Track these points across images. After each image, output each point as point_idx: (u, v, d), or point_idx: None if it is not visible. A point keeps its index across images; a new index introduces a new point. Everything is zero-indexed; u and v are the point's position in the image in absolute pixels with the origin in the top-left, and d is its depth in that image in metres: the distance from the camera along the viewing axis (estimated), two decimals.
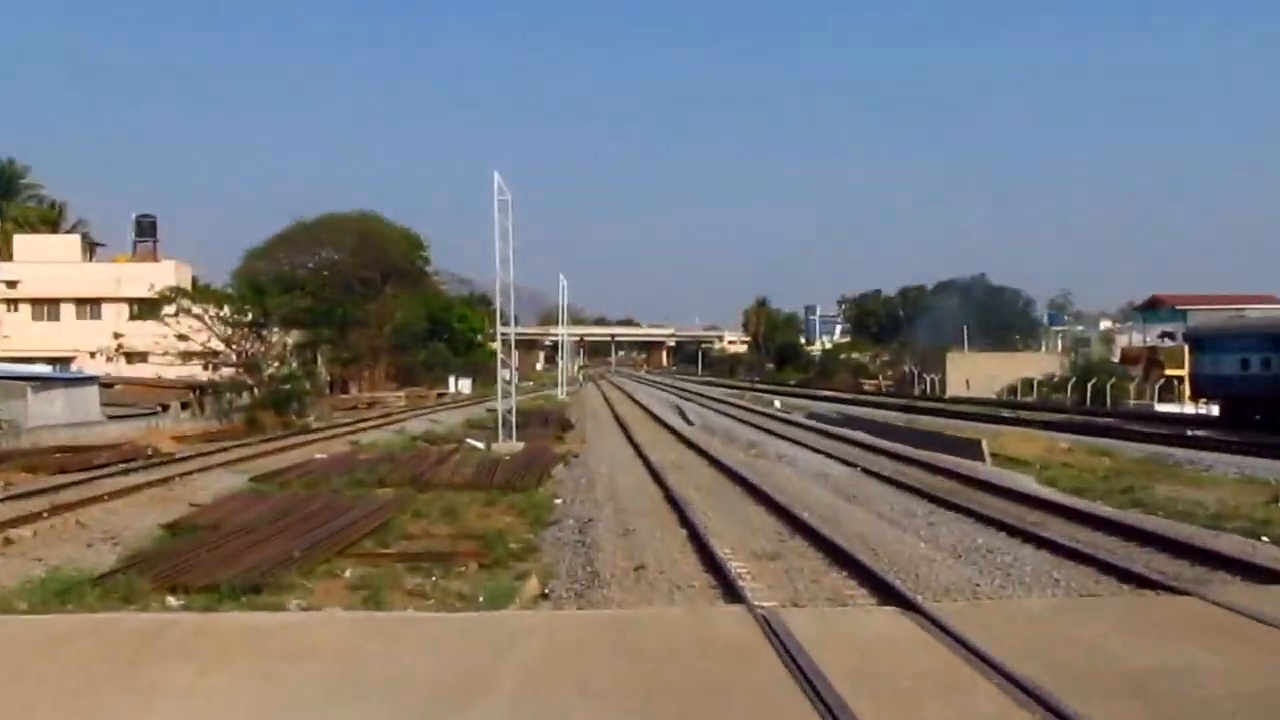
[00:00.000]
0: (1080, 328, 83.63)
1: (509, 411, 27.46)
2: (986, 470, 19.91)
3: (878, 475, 19.37)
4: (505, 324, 30.19)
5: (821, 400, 53.35)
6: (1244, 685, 5.50)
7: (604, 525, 13.59)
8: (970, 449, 22.49)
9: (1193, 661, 5.87)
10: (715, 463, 21.74)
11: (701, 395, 62.51)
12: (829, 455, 23.36)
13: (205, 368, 37.71)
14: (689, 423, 36.34)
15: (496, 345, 31.86)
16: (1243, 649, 6.18)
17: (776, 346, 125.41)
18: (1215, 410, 32.04)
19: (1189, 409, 37.70)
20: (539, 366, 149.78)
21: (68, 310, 48.63)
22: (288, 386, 34.35)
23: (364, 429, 32.97)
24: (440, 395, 58.56)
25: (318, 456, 23.91)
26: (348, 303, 51.35)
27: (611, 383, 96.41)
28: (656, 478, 18.91)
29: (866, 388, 74.10)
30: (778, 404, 50.70)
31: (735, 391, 68.62)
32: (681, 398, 58.57)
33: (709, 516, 14.41)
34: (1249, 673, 5.70)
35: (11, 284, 48.27)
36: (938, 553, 11.72)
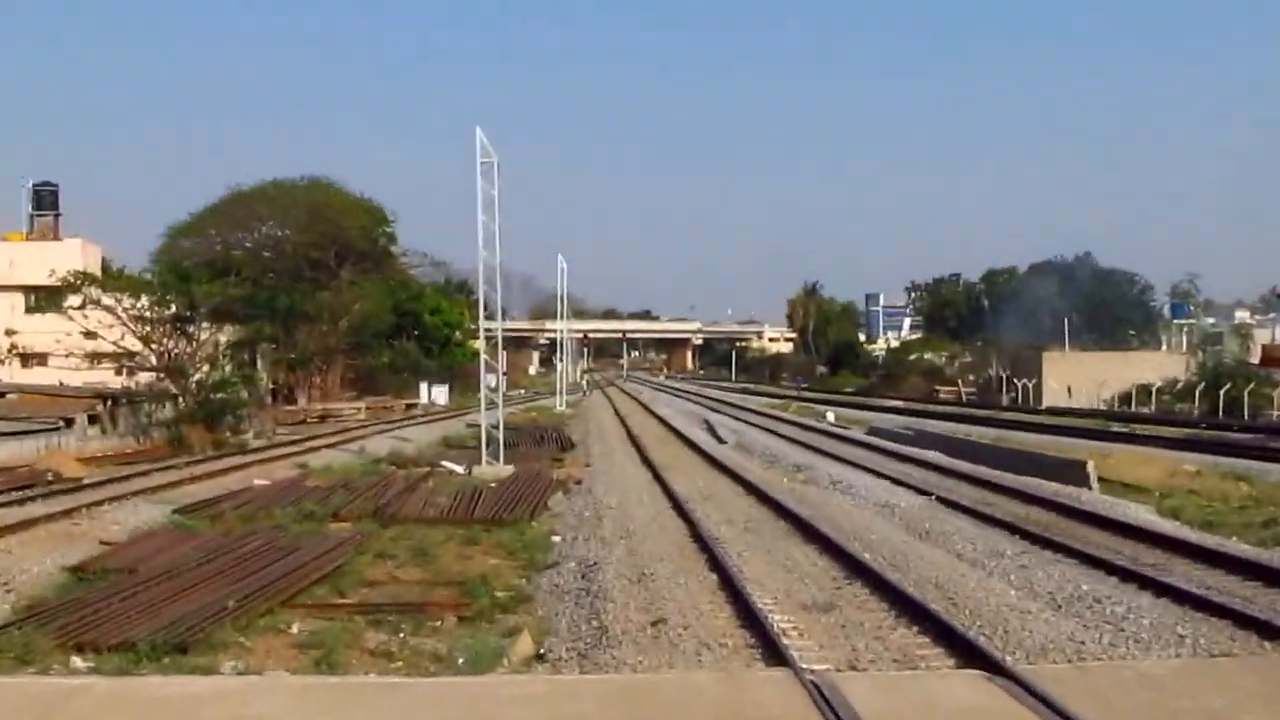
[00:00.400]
0: (1210, 321, 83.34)
1: (495, 427, 27.46)
2: (1093, 499, 19.91)
3: (957, 506, 19.41)
4: (490, 317, 30.22)
5: (886, 412, 53.24)
6: None
7: (614, 569, 13.64)
8: (1072, 472, 22.59)
9: None
10: (754, 491, 21.75)
11: (736, 407, 62.51)
12: (895, 481, 23.32)
13: (119, 372, 37.95)
14: (720, 440, 36.36)
15: (479, 344, 31.88)
16: None
17: (830, 345, 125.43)
18: None
19: None
20: (532, 370, 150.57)
21: None
22: (220, 396, 34.30)
23: (315, 448, 33.00)
24: (409, 407, 58.66)
25: (257, 483, 23.99)
26: (295, 291, 51.35)
27: (623, 391, 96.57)
28: (680, 510, 18.92)
29: (943, 396, 74.10)
30: (831, 417, 50.52)
31: (778, 402, 68.59)
32: (711, 409, 58.62)
33: (746, 559, 14.42)
34: None
35: None
36: (1032, 602, 11.73)
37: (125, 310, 34.18)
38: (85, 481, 23.13)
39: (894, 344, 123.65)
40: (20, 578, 13.56)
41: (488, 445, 27.11)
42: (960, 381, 77.42)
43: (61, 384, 38.71)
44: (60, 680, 8.41)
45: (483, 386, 30.08)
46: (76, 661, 9.77)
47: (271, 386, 48.97)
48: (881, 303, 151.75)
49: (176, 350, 35.30)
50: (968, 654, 9.33)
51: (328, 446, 33.85)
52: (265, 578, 12.89)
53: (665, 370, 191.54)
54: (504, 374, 41.26)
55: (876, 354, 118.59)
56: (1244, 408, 49.09)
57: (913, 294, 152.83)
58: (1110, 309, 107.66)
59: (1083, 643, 10.00)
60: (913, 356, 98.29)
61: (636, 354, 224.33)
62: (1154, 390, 57.54)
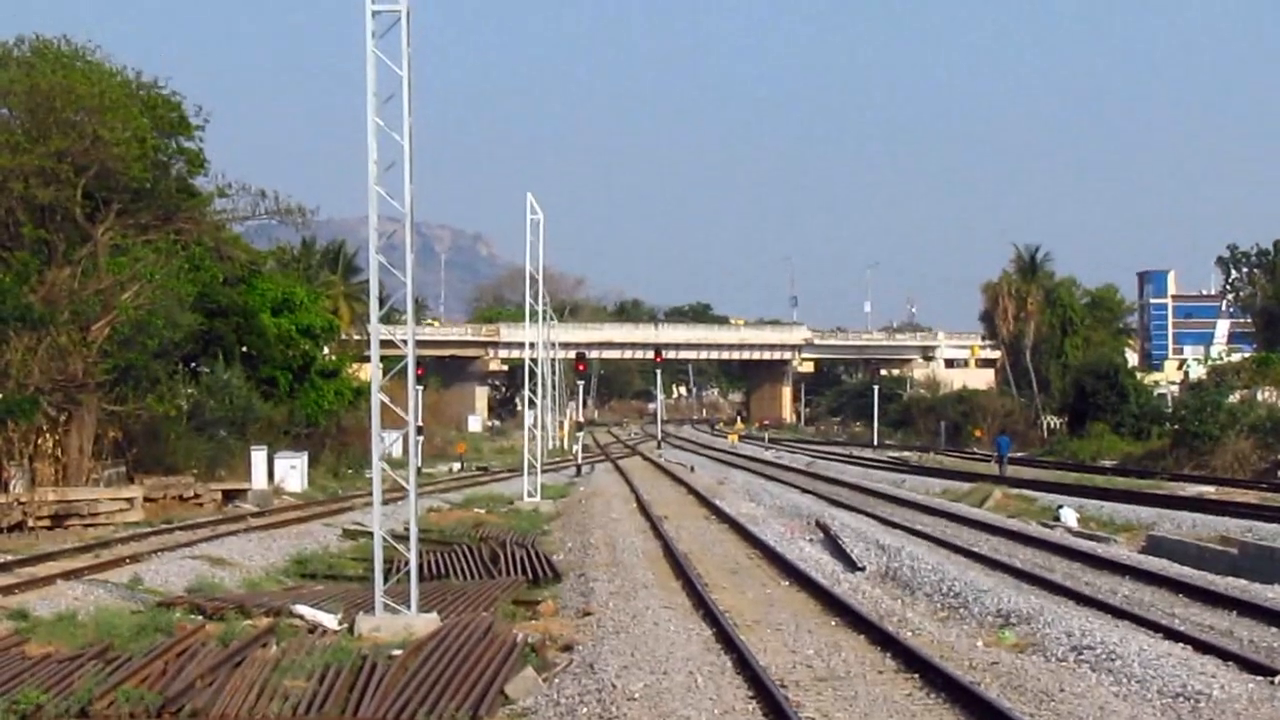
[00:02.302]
0: None
1: (402, 538, 27.80)
2: None
3: None
4: (397, 315, 30.20)
5: (1182, 509, 52.85)
6: None
7: None
8: None
9: None
10: (918, 664, 21.81)
11: (881, 497, 63.04)
12: (1204, 646, 23.16)
13: None
14: (852, 566, 36.63)
15: (370, 371, 31.59)
16: None
17: (1071, 374, 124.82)
18: None
19: None
20: (476, 424, 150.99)
21: None
22: None
23: (42, 579, 33.18)
24: (231, 497, 58.66)
25: None
26: (4, 269, 51.49)
27: (659, 465, 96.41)
28: (776, 710, 18.80)
29: None
30: (1071, 519, 50.61)
31: (967, 488, 68.20)
32: (832, 501, 59.09)
33: None
34: None
35: None
36: None
37: None
38: None
39: (1198, 371, 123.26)
40: None
41: (387, 575, 27.16)
42: None
43: None
44: None
45: (377, 457, 29.78)
46: None
47: None
48: (1171, 290, 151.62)
49: None
50: None
51: (67, 576, 33.85)
52: None
53: (741, 423, 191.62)
54: (420, 430, 40.88)
55: (1162, 391, 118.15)
56: None
57: (1233, 271, 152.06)
58: None
59: None
60: (1236, 397, 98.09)
61: (683, 392, 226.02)
62: None
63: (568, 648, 24.30)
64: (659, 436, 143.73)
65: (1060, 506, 54.77)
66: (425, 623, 25.90)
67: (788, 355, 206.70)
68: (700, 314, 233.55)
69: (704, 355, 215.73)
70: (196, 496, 56.52)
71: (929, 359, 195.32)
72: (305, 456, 67.95)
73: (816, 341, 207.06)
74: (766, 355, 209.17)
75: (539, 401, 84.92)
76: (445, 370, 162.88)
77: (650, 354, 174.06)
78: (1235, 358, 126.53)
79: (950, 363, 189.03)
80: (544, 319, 76.04)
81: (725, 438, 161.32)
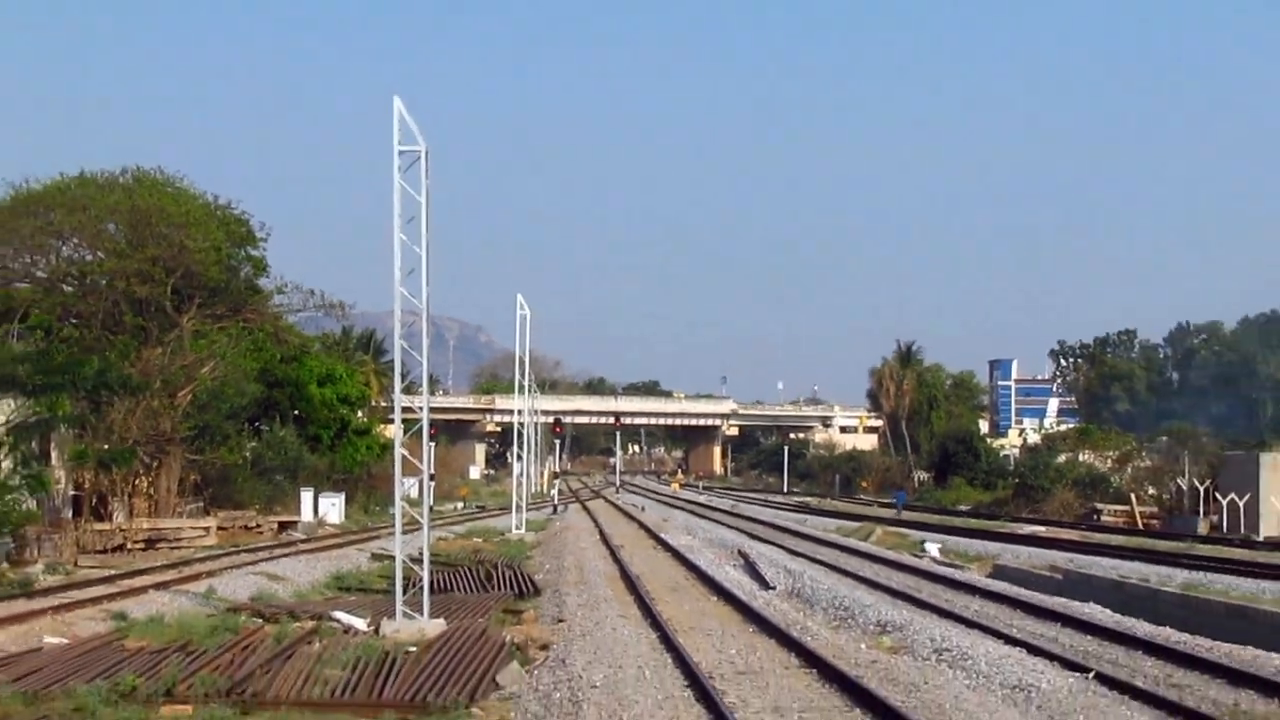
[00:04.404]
0: None
1: (417, 560, 27.42)
2: None
3: (1128, 688, 19.44)
4: (414, 389, 30.29)
5: (1020, 543, 53.54)
6: None
7: None
8: None
9: None
10: (815, 662, 21.77)
11: (788, 532, 62.45)
12: (1034, 649, 23.28)
13: None
14: (765, 585, 36.42)
15: (394, 431, 31.66)
16: None
17: (936, 439, 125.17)
18: None
19: None
20: (475, 473, 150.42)
21: None
22: None
23: (138, 589, 32.78)
24: (284, 527, 58.12)
25: (49, 642, 23.84)
26: (110, 348, 51.25)
27: (615, 505, 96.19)
28: (705, 697, 18.82)
29: (1109, 519, 74.35)
30: (934, 550, 50.82)
31: (854, 526, 68.31)
32: (751, 535, 58.73)
33: None
34: None
35: None
36: None
37: None
38: None
39: (1033, 438, 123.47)
40: None
41: (405, 589, 26.84)
42: (1135, 497, 77.13)
43: None
44: None
45: (399, 497, 29.68)
46: None
47: (73, 493, 48.52)
48: (1014, 375, 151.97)
49: None
50: None
51: (157, 587, 33.52)
52: None
53: (681, 475, 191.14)
54: (432, 478, 41.03)
55: (1006, 454, 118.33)
56: None
57: (1062, 361, 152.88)
58: None
59: None
60: (1062, 458, 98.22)
61: (637, 449, 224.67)
62: None
63: (545, 647, 24.16)
64: (618, 484, 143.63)
65: (925, 541, 54.97)
66: (435, 626, 25.66)
67: (718, 422, 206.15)
68: (650, 389, 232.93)
69: (652, 421, 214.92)
70: (258, 526, 56.25)
71: (827, 426, 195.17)
72: (343, 496, 67.33)
73: (740, 411, 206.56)
74: (701, 422, 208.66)
75: (524, 456, 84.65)
76: (452, 431, 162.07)
77: (611, 420, 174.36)
78: (1062, 428, 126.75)
79: (844, 429, 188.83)
80: (529, 392, 75.84)
81: (669, 485, 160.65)
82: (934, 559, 48.93)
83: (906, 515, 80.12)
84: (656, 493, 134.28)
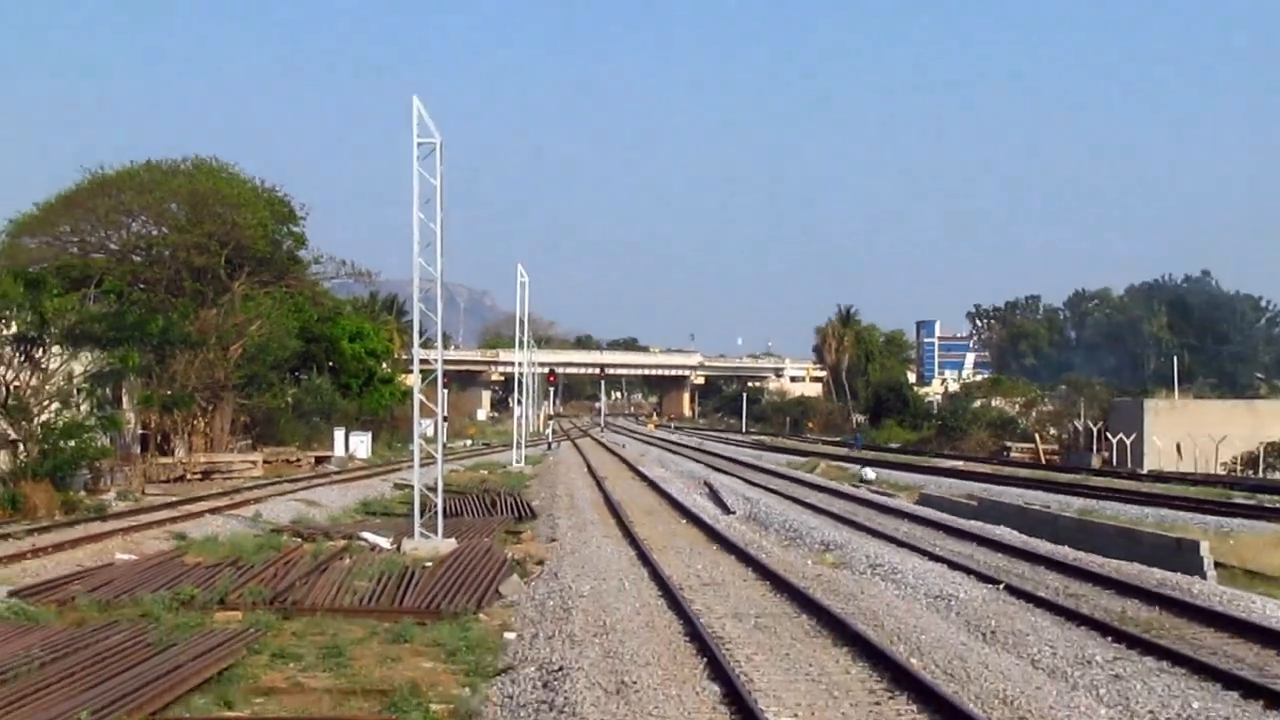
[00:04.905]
0: None
1: (432, 489, 27.33)
2: (1209, 591, 20.15)
3: (1032, 598, 19.62)
4: (429, 344, 29.81)
5: (943, 475, 54.11)
6: None
7: (585, 676, 13.63)
8: (1182, 557, 23.12)
9: None
10: (769, 576, 22.06)
11: (747, 465, 63.25)
12: (954, 565, 23.55)
13: None
14: (726, 510, 36.57)
15: (413, 380, 31.30)
16: None
17: (871, 387, 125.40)
18: None
19: None
20: (482, 415, 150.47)
21: None
22: (72, 443, 33.91)
23: (195, 514, 32.95)
24: (320, 460, 58.48)
25: (120, 558, 23.91)
26: (172, 309, 50.84)
27: (601, 444, 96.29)
28: (674, 601, 18.97)
29: (1015, 455, 74.92)
30: (870, 474, 51.77)
31: (802, 460, 68.68)
32: (715, 469, 59.05)
33: (757, 665, 14.59)
34: None
35: None
36: None
37: None
38: None
39: (953, 387, 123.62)
40: None
41: (422, 513, 26.90)
42: (1039, 436, 78.23)
43: None
44: None
45: (416, 435, 29.64)
46: None
47: (141, 432, 48.57)
48: (937, 333, 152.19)
49: (17, 382, 34.94)
50: None
51: (212, 511, 33.78)
52: (129, 683, 12.75)
53: (656, 417, 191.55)
54: (445, 419, 40.56)
55: (930, 400, 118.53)
56: None
57: (978, 322, 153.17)
58: (1232, 344, 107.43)
59: None
60: (977, 404, 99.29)
61: (619, 395, 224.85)
62: None
63: (540, 562, 24.44)
64: (602, 425, 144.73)
65: (864, 467, 56.37)
66: (447, 545, 25.87)
67: (687, 372, 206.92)
68: (630, 344, 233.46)
69: (632, 371, 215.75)
70: (298, 460, 56.95)
71: (779, 376, 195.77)
72: (370, 435, 68.29)
73: (706, 363, 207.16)
74: (673, 372, 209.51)
75: (523, 401, 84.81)
76: (462, 379, 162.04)
77: (596, 370, 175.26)
78: (977, 379, 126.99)
79: (793, 379, 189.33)
80: (527, 347, 75.74)
81: (645, 426, 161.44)
82: (869, 483, 50.17)
83: (842, 452, 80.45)
84: (635, 432, 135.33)
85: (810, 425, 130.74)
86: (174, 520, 31.15)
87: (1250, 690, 12.96)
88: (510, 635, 16.77)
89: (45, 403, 35.10)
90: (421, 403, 29.59)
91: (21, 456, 33.65)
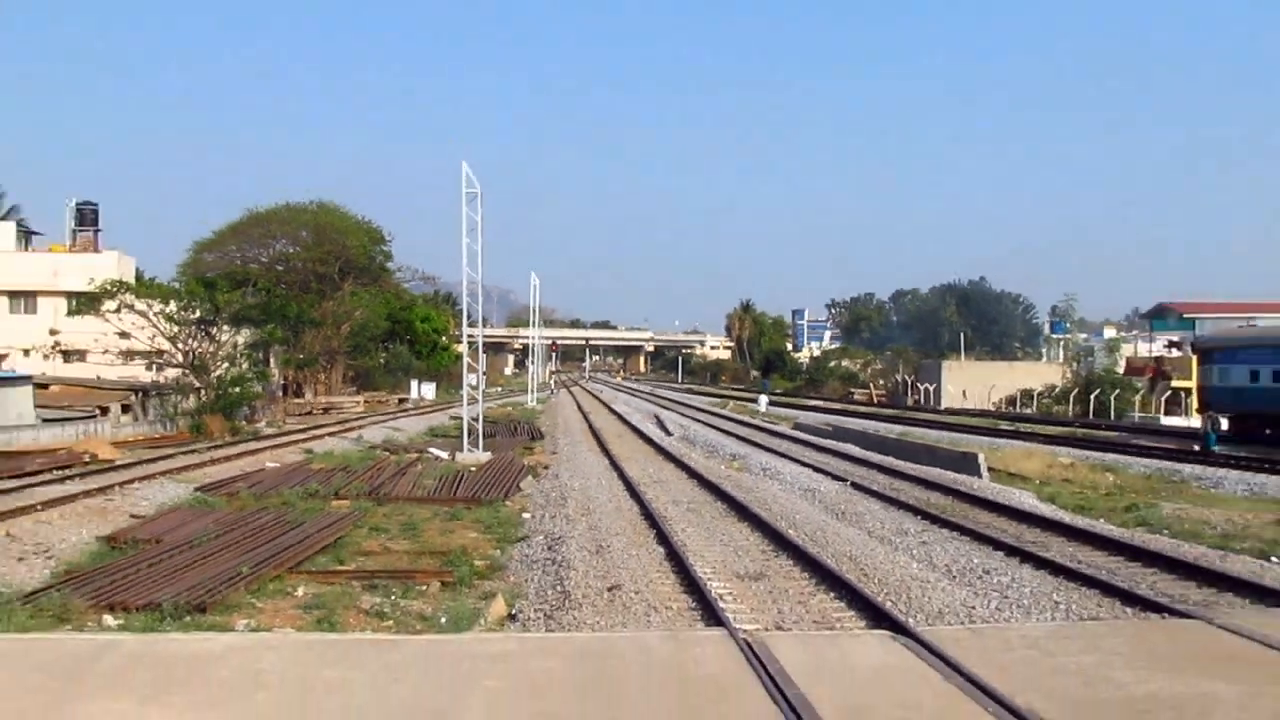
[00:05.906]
0: (1084, 336, 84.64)
1: (475, 420, 27.24)
2: (983, 486, 20.00)
3: (869, 491, 19.41)
4: (472, 325, 30.07)
5: (810, 411, 53.40)
6: (1255, 715, 5.54)
7: (576, 542, 13.50)
8: (966, 463, 22.65)
9: (1201, 690, 5.90)
10: (696, 476, 21.65)
11: (682, 405, 62.25)
12: (817, 469, 23.33)
13: (149, 368, 37.22)
14: (667, 433, 36.23)
15: (463, 348, 31.65)
16: (1253, 675, 6.22)
17: (762, 353, 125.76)
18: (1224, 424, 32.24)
19: (1196, 422, 38.04)
20: (508, 371, 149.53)
21: (0, 303, 47.91)
22: (237, 390, 33.73)
23: (318, 436, 32.64)
24: (401, 401, 58.09)
25: (268, 465, 23.69)
26: (303, 300, 50.71)
27: (586, 390, 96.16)
28: (634, 492, 18.83)
29: (857, 398, 74.36)
30: (764, 401, 51.59)
31: (718, 401, 68.57)
32: (661, 407, 58.39)
33: (689, 534, 14.37)
34: (1259, 701, 5.74)
35: None
36: (931, 573, 11.74)
37: (155, 314, 33.61)
38: (117, 463, 22.67)
39: (817, 353, 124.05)
40: (59, 546, 13.31)
41: (468, 435, 26.86)
42: (872, 385, 77.75)
43: (99, 378, 37.95)
44: (93, 637, 8.24)
45: (465, 385, 29.88)
46: (108, 620, 9.58)
47: (282, 382, 48.17)
48: (806, 317, 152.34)
49: (200, 350, 34.66)
50: (878, 617, 9.33)
51: (330, 435, 33.47)
52: (274, 548, 12.70)
53: (622, 373, 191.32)
54: (483, 374, 41.04)
55: (802, 361, 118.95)
56: (1110, 410, 49.93)
57: (833, 310, 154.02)
58: (1000, 325, 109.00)
59: (974, 608, 10.06)
60: (832, 364, 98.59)
61: (598, 358, 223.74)
62: (1036, 395, 58.33)
63: (546, 467, 24.22)
64: (587, 377, 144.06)
65: (761, 397, 56.39)
66: (485, 456, 25.74)
67: (643, 343, 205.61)
68: (604, 324, 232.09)
69: (606, 342, 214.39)
70: (386, 400, 56.11)
71: (703, 345, 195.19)
72: (434, 384, 67.18)
73: (655, 337, 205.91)
74: (633, 343, 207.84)
75: (535, 362, 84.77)
76: (494, 348, 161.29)
77: (583, 342, 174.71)
78: (833, 348, 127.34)
79: (713, 348, 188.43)
80: (536, 326, 75.72)
81: (615, 378, 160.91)
82: (763, 412, 49.85)
83: (736, 393, 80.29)
84: (609, 383, 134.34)
85: (724, 378, 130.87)
86: (305, 440, 30.80)
87: (1011, 551, 12.96)
88: (526, 515, 16.53)
89: (219, 363, 34.83)
90: (468, 363, 29.91)
91: (203, 399, 33.51)
